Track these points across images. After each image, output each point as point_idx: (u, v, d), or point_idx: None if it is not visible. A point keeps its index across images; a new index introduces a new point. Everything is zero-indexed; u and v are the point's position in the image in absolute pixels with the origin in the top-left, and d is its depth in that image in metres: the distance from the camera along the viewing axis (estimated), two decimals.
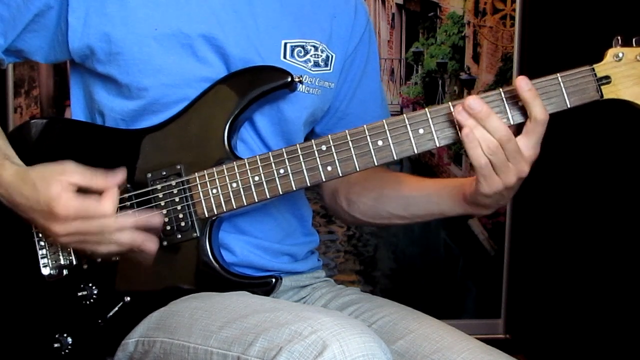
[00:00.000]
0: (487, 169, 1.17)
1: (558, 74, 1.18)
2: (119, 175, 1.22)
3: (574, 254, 2.53)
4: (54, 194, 1.17)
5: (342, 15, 1.43)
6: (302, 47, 1.35)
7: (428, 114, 1.19)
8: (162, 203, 1.26)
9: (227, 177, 1.24)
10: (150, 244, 1.22)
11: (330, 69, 1.39)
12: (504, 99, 1.18)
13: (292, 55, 1.34)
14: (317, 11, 1.39)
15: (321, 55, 1.37)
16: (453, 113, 1.18)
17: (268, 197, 1.24)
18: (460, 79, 2.90)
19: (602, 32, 1.24)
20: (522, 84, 1.15)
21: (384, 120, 1.21)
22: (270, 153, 1.24)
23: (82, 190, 1.19)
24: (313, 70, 1.36)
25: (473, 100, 1.16)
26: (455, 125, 1.19)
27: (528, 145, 1.17)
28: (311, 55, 1.36)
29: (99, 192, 1.19)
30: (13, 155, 1.27)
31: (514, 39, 2.87)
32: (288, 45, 1.34)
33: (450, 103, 1.19)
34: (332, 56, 1.39)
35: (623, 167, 2.26)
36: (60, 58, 1.34)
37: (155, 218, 1.23)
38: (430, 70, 2.90)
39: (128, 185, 1.27)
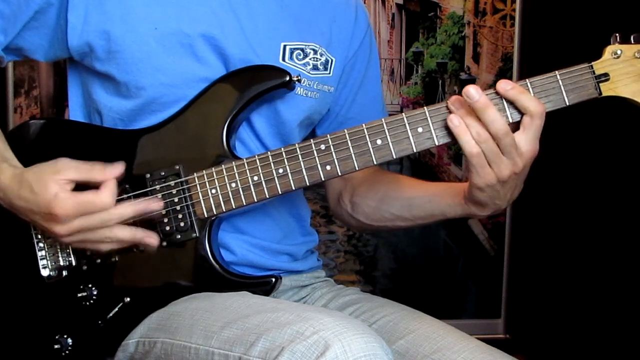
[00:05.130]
0: (479, 158, 1.15)
1: (556, 72, 1.17)
2: (118, 168, 1.22)
3: (574, 254, 2.52)
4: (51, 194, 1.17)
5: (343, 19, 1.42)
6: (302, 50, 1.35)
7: (427, 112, 1.19)
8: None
9: (226, 177, 1.24)
10: (151, 240, 1.22)
11: (329, 73, 1.39)
12: (502, 97, 1.17)
13: (290, 57, 1.33)
14: (317, 14, 1.39)
15: (320, 59, 1.37)
16: (447, 104, 1.17)
17: (267, 196, 1.24)
18: (460, 79, 2.90)
19: (601, 31, 1.23)
20: (502, 86, 1.16)
21: (383, 119, 1.21)
22: (269, 153, 1.23)
23: (81, 186, 1.19)
24: (312, 74, 1.35)
25: (472, 88, 1.14)
26: None
27: (526, 140, 1.15)
28: (310, 59, 1.35)
29: (96, 186, 1.19)
30: (11, 157, 1.26)
31: (514, 39, 2.87)
32: (287, 48, 1.33)
33: (448, 102, 1.19)
34: (331, 60, 1.39)
35: (622, 166, 2.25)
36: (60, 56, 1.33)
37: (153, 204, 1.22)
38: (430, 70, 2.90)
39: (127, 186, 1.27)
